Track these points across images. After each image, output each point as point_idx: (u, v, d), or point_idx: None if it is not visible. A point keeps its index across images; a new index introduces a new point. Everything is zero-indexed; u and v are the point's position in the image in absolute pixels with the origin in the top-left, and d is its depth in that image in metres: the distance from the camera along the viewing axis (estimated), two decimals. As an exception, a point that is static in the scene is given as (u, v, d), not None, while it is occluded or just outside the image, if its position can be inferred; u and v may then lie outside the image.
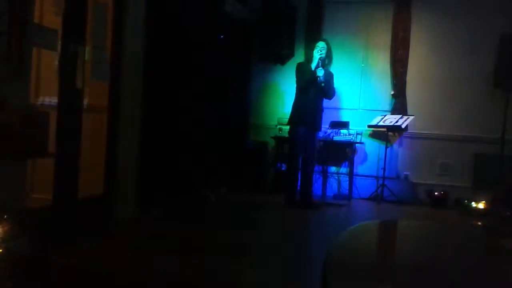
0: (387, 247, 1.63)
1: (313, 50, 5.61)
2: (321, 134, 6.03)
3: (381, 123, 6.42)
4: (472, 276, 1.24)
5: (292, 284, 3.09)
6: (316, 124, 5.64)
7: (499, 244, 1.59)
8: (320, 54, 5.49)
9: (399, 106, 6.63)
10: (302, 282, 3.13)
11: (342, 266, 1.34)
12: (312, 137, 5.63)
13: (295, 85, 5.72)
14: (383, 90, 6.81)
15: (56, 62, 3.66)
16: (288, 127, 5.96)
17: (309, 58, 5.72)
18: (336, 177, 6.87)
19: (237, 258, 3.54)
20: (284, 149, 6.59)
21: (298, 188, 6.02)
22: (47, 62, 4.19)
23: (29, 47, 3.12)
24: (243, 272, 3.18)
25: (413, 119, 6.38)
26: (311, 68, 5.52)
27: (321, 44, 5.57)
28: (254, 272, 3.24)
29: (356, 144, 6.60)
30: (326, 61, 5.55)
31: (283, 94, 6.97)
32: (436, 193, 6.35)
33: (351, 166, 6.65)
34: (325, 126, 6.36)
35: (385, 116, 6.52)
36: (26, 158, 3.05)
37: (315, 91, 5.54)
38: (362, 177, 6.78)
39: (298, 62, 5.91)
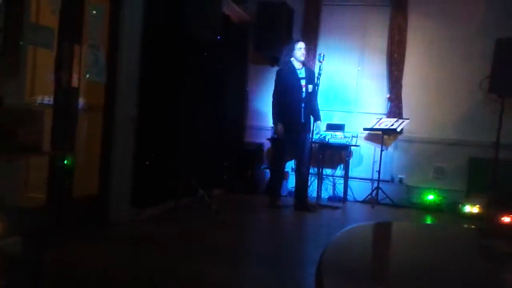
0: (381, 249, 1.64)
1: (291, 51, 5.61)
2: (316, 136, 6.02)
3: (376, 126, 6.44)
4: (466, 278, 1.24)
5: (287, 285, 3.09)
6: (307, 126, 5.62)
7: (492, 247, 1.60)
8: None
9: (394, 109, 6.65)
10: (297, 283, 3.13)
11: (336, 267, 1.34)
12: (304, 139, 5.60)
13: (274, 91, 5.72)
14: (379, 93, 6.82)
15: (52, 61, 3.65)
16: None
17: (286, 60, 5.68)
18: (331, 180, 6.88)
19: (232, 258, 3.53)
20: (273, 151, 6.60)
21: (293, 190, 6.04)
22: (43, 61, 4.18)
23: (24, 46, 3.11)
24: (238, 273, 3.17)
25: (408, 122, 6.40)
26: (296, 72, 5.54)
27: (302, 45, 5.61)
28: (248, 273, 3.24)
29: (352, 147, 6.61)
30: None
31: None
32: (430, 197, 6.36)
33: (346, 168, 6.65)
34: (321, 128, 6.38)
35: (380, 119, 6.54)
36: (21, 157, 3.03)
37: (300, 94, 5.53)
38: (357, 180, 6.79)
39: (278, 70, 5.81)
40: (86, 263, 3.13)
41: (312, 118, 5.66)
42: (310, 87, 5.51)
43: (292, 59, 5.61)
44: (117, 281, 2.87)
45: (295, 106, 5.51)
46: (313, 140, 5.82)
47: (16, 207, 2.78)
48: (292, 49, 5.60)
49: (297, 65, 5.59)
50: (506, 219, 5.14)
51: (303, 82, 5.55)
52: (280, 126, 5.59)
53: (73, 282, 2.80)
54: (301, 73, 5.57)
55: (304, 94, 5.55)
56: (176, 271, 3.12)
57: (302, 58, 5.55)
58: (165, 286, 2.86)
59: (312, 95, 5.56)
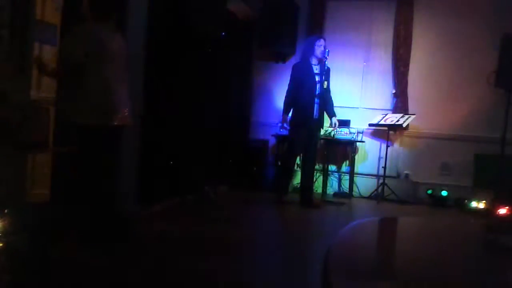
0: (387, 244, 1.63)
1: (311, 47, 5.59)
2: (322, 132, 6.02)
3: (382, 122, 6.41)
4: (472, 272, 1.23)
5: (293, 281, 3.09)
6: (320, 122, 5.65)
7: (498, 242, 1.59)
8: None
9: (400, 105, 6.62)
10: (303, 279, 3.13)
11: (342, 262, 1.33)
12: (315, 136, 5.62)
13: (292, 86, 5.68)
14: (385, 89, 6.80)
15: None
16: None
17: (306, 54, 5.67)
18: (337, 176, 6.87)
19: (237, 255, 3.54)
20: (284, 147, 6.59)
21: (298, 186, 6.03)
22: (48, 57, 4.18)
23: (31, 42, 3.12)
24: (244, 270, 3.17)
25: (414, 118, 6.37)
26: (312, 68, 5.54)
27: (322, 42, 5.59)
28: (254, 269, 3.24)
29: (357, 143, 6.60)
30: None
31: (284, 92, 6.96)
32: (436, 192, 6.34)
33: (352, 164, 6.64)
34: (325, 124, 6.39)
35: (386, 115, 6.51)
36: (27, 153, 3.05)
37: (314, 90, 5.53)
38: (362, 176, 6.77)
39: (294, 64, 5.81)
40: (91, 259, 3.14)
41: (325, 115, 5.70)
42: (325, 83, 5.51)
43: (310, 55, 5.60)
44: (124, 277, 2.88)
45: (308, 101, 5.51)
46: (320, 136, 5.84)
47: (22, 204, 2.80)
48: (312, 45, 5.59)
49: (314, 61, 5.59)
50: (512, 215, 5.11)
51: (317, 78, 5.55)
52: (286, 117, 5.62)
53: (78, 277, 2.81)
54: (316, 69, 5.56)
55: (318, 91, 5.55)
56: (180, 266, 3.13)
57: (320, 56, 5.53)
58: (169, 281, 2.87)
59: (327, 92, 5.57)
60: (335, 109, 5.94)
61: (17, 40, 2.97)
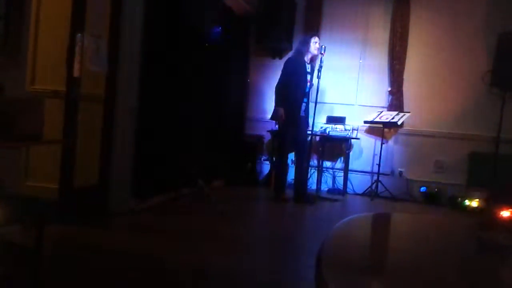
0: (380, 239, 1.64)
1: (307, 45, 5.59)
2: (317, 128, 6.03)
3: (377, 119, 6.43)
4: (464, 269, 1.25)
5: (287, 277, 3.10)
6: (307, 119, 5.66)
7: (490, 239, 1.61)
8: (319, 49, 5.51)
9: (395, 102, 6.64)
10: (296, 275, 3.14)
11: (336, 258, 1.34)
12: (302, 132, 5.63)
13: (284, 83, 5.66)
14: (380, 86, 6.81)
15: (53, 50, 3.64)
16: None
17: (301, 51, 5.66)
18: (331, 172, 6.88)
19: (232, 250, 3.54)
20: (276, 145, 6.61)
21: (292, 182, 6.04)
22: (43, 50, 4.17)
23: (26, 34, 3.10)
24: (237, 266, 3.18)
25: (409, 116, 6.39)
26: (305, 66, 5.56)
27: (317, 39, 5.60)
28: (248, 264, 3.25)
29: (352, 140, 6.61)
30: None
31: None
32: (430, 190, 6.37)
33: (347, 161, 6.66)
34: (321, 121, 6.40)
35: (381, 112, 6.53)
36: (21, 145, 3.04)
37: (304, 88, 5.56)
38: (357, 173, 6.79)
39: (288, 58, 5.82)
40: (85, 252, 3.15)
41: (310, 113, 5.71)
42: (315, 82, 5.53)
43: (304, 52, 5.59)
44: (117, 270, 2.89)
45: (297, 99, 5.52)
46: (314, 132, 5.84)
47: (15, 195, 2.79)
48: (307, 42, 5.58)
49: (307, 59, 5.59)
50: (505, 213, 5.15)
51: (308, 77, 5.57)
52: (281, 110, 5.58)
53: (72, 270, 2.81)
54: (308, 68, 5.58)
55: (307, 89, 5.57)
56: (175, 261, 3.13)
57: (316, 52, 5.54)
58: (164, 276, 2.87)
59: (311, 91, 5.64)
60: (330, 106, 5.95)
61: (12, 33, 2.96)
